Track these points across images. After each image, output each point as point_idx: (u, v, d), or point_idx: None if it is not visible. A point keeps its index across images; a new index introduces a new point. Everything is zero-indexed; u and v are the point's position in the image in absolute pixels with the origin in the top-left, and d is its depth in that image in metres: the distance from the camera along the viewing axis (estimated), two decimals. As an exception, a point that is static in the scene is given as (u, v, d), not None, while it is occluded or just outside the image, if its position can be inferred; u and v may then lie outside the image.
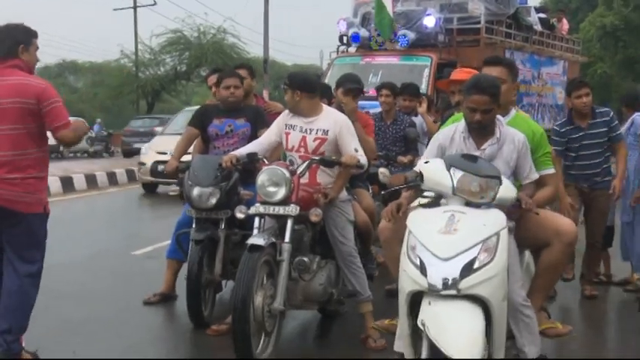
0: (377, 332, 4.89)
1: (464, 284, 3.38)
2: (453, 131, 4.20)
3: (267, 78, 24.98)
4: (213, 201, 5.36)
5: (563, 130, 6.45)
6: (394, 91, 7.15)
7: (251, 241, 4.45)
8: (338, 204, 5.02)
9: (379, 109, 7.26)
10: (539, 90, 16.27)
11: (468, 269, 3.41)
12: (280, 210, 4.65)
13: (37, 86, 4.37)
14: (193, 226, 5.48)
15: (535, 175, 4.19)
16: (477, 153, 4.04)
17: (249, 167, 5.25)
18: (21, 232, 4.39)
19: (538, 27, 16.19)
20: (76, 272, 7.39)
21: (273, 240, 4.55)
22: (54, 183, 14.19)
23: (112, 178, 16.44)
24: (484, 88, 4.02)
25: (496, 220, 3.63)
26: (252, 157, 5.05)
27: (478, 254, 3.45)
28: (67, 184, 15.15)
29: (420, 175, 3.83)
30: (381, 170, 6.37)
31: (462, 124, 4.19)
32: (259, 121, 5.81)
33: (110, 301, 6.32)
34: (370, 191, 6.06)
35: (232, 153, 5.16)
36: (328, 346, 5.33)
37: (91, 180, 16.09)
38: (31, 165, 4.39)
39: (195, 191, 5.38)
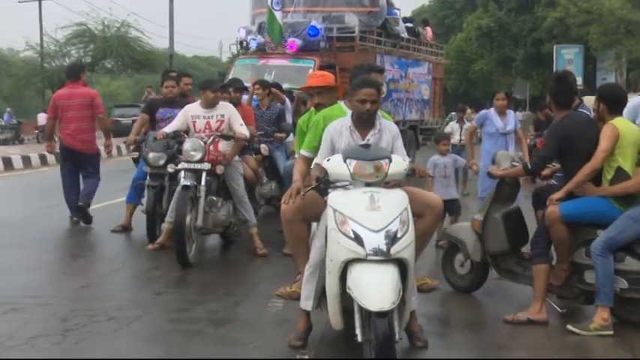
0: (262, 244, 7.75)
1: (393, 250, 4.03)
2: (341, 125, 4.82)
3: (173, 72, 26.69)
4: (162, 162, 8.00)
5: None
6: (263, 84, 9.85)
7: (182, 182, 7.22)
8: (233, 163, 7.81)
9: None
10: (407, 87, 18.25)
11: (394, 238, 4.04)
12: (198, 166, 7.36)
13: (92, 92, 8.55)
14: (147, 178, 8.13)
15: (407, 157, 4.74)
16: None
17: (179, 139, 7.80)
18: (87, 162, 9.30)
19: (405, 35, 18.24)
20: (40, 220, 9.88)
21: (195, 184, 7.31)
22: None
23: (43, 159, 19.03)
24: (372, 83, 4.73)
25: (402, 197, 4.30)
26: (177, 133, 7.78)
27: (399, 226, 4.09)
28: (7, 163, 18.03)
29: (326, 172, 4.48)
30: (262, 146, 9.16)
31: (348, 119, 4.83)
32: None
33: (77, 235, 9.00)
34: (254, 157, 8.96)
35: (162, 130, 7.81)
36: (229, 254, 8.13)
37: (26, 160, 18.84)
38: (87, 130, 8.72)
39: (151, 155, 8.06)
